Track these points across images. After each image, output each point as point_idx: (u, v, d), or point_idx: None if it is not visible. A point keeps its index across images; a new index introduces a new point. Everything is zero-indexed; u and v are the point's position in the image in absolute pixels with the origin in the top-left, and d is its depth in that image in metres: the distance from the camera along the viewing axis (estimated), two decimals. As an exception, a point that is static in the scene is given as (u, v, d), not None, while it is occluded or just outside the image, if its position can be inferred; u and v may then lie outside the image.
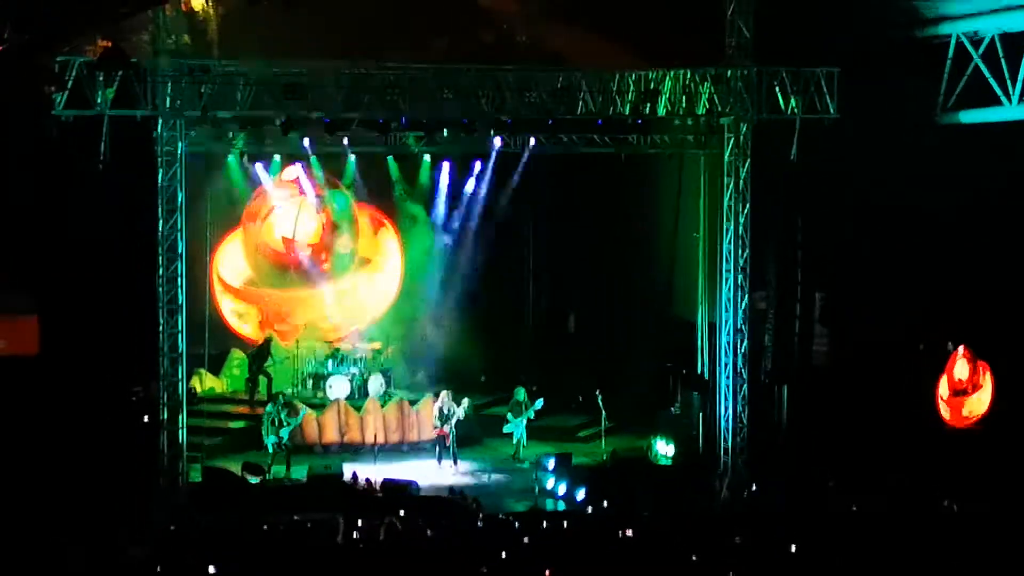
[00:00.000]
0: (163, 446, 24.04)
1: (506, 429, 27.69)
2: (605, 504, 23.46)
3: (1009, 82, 23.89)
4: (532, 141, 27.78)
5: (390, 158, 29.67)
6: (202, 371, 29.95)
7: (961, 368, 25.99)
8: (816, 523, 20.49)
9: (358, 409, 28.32)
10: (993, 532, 19.40)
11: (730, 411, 25.89)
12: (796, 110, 25.06)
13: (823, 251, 26.89)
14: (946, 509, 21.20)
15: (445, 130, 26.26)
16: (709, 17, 25.11)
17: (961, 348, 25.95)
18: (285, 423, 26.14)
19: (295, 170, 30.56)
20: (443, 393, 27.42)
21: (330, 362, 29.75)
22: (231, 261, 31.54)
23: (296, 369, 30.08)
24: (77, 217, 23.84)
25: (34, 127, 22.86)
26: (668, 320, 29.58)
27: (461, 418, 26.93)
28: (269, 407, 26.59)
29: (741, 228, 25.71)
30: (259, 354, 29.55)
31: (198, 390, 29.27)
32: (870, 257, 25.99)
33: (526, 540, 19.53)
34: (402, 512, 21.23)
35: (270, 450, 26.06)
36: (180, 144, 24.11)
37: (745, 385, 25.89)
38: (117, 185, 23.49)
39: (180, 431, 24.31)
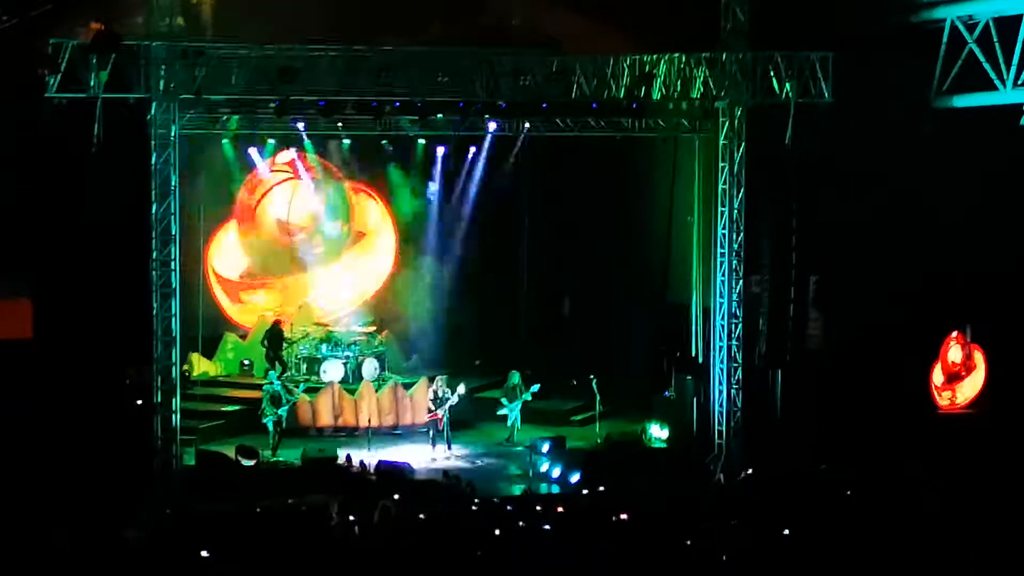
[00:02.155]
0: (157, 430, 23.99)
1: (500, 413, 27.70)
2: (599, 488, 23.47)
3: (1004, 66, 23.85)
4: (527, 125, 27.74)
5: (384, 141, 29.61)
6: (196, 355, 29.92)
7: (955, 353, 26.03)
8: (809, 507, 20.53)
9: (352, 393, 28.31)
10: (986, 516, 19.45)
11: (724, 395, 25.91)
12: (791, 94, 25.03)
13: (817, 235, 26.87)
14: (930, 501, 21.23)
15: (439, 113, 26.24)
16: (704, 1, 25.06)
17: (955, 332, 25.99)
18: (285, 401, 26.21)
19: (289, 153, 30.54)
20: (437, 377, 27.42)
21: (324, 346, 29.74)
22: (225, 254, 31.48)
23: (290, 352, 30.06)
24: (70, 200, 23.76)
25: (27, 110, 22.79)
26: (662, 304, 29.55)
27: (455, 402, 26.93)
28: (266, 385, 26.59)
29: (736, 212, 25.72)
30: (273, 338, 29.36)
31: (192, 374, 29.24)
32: (864, 241, 26.01)
33: (520, 524, 19.57)
34: (396, 496, 21.25)
35: (271, 429, 26.08)
36: (174, 127, 24.03)
37: (739, 369, 25.92)
38: (110, 168, 23.39)
39: (174, 415, 24.26)
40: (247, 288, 31.65)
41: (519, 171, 30.62)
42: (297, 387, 27.58)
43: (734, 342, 25.91)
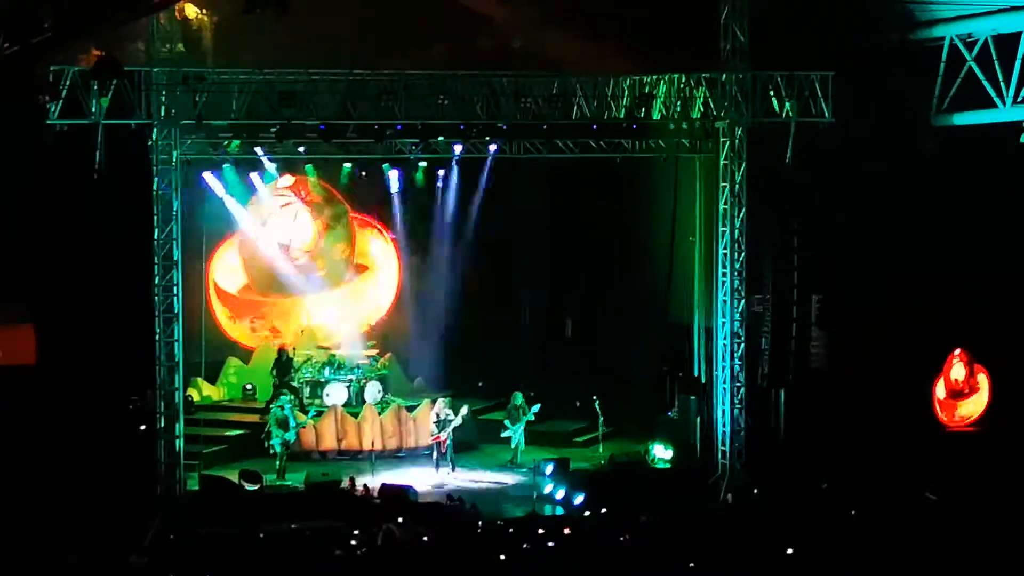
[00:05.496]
0: (160, 455, 24.00)
1: (504, 435, 27.68)
2: (603, 509, 23.43)
3: (1003, 84, 23.89)
4: (527, 146, 27.78)
5: (386, 165, 29.63)
6: (199, 380, 29.92)
7: (958, 370, 26.01)
8: (813, 526, 20.49)
9: (355, 416, 28.29)
10: (990, 532, 19.42)
11: (727, 415, 25.88)
12: (791, 113, 25.12)
13: (819, 254, 26.89)
14: (934, 504, 21.19)
15: (441, 136, 26.29)
16: (703, 22, 25.12)
17: (957, 350, 25.96)
18: (293, 425, 26.17)
19: (291, 177, 30.57)
20: (440, 399, 27.41)
21: (327, 369, 29.73)
22: (227, 268, 31.54)
23: (296, 376, 29.98)
24: (73, 226, 23.81)
25: (29, 136, 22.84)
26: (665, 324, 29.53)
27: (458, 424, 26.90)
28: (275, 408, 26.54)
29: (737, 232, 25.73)
30: (279, 367, 29.32)
31: (195, 399, 29.23)
32: (866, 260, 26.01)
33: (524, 545, 19.55)
34: (400, 519, 21.23)
35: (278, 450, 26.04)
36: (175, 152, 24.12)
37: (742, 389, 25.89)
38: (113, 193, 23.47)
39: (177, 440, 24.29)
40: (246, 304, 31.60)
41: (520, 192, 30.61)
42: (307, 413, 27.50)
43: (736, 362, 25.88)
